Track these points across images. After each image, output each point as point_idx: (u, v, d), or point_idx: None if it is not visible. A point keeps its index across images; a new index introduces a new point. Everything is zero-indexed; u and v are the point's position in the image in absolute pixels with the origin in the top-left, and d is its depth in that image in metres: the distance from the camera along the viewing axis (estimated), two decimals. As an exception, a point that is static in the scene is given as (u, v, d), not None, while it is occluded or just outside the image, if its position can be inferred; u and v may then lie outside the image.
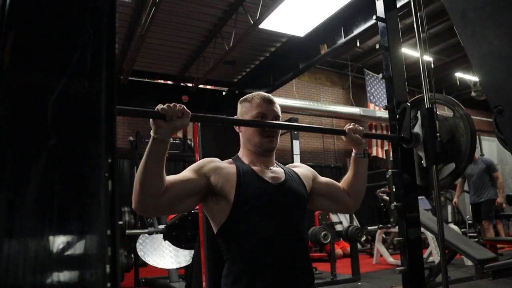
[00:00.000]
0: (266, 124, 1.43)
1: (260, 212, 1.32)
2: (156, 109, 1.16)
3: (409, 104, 1.88)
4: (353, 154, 1.61)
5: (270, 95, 1.48)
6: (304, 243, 1.41)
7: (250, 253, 1.29)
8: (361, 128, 1.62)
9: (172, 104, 1.18)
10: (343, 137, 1.62)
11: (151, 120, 1.18)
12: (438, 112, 1.83)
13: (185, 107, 1.20)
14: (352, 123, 1.62)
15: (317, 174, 1.61)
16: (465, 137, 1.75)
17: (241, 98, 1.51)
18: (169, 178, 1.24)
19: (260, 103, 1.43)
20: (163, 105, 1.17)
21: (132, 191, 1.18)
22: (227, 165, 1.40)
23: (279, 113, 1.47)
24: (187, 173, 1.32)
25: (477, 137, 7.42)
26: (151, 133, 1.17)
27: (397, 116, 1.90)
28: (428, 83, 1.86)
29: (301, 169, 1.57)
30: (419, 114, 1.84)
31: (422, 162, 1.83)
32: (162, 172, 1.19)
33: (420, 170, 1.93)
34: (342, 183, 1.61)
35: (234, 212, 1.31)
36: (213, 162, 1.39)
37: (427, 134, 1.79)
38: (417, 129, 1.84)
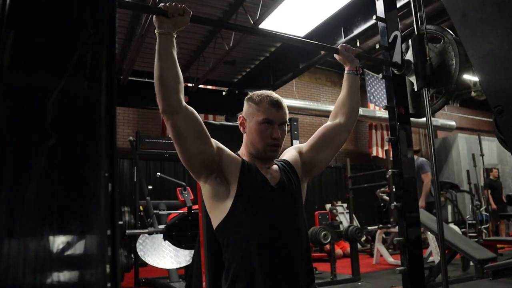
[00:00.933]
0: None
1: (261, 211, 1.32)
2: (158, 6, 1.23)
3: (400, 32, 1.95)
4: (345, 71, 1.66)
5: (279, 97, 1.43)
6: (304, 243, 1.40)
7: (249, 252, 1.29)
8: (353, 48, 1.67)
9: (174, 2, 1.25)
10: (335, 55, 1.68)
11: (154, 17, 1.25)
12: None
13: (186, 6, 1.27)
14: (345, 43, 1.69)
15: (302, 145, 1.59)
16: (454, 61, 1.81)
17: (249, 96, 1.46)
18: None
19: (268, 108, 1.38)
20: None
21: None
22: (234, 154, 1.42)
23: (287, 117, 1.43)
24: None
25: (477, 137, 7.44)
26: (155, 31, 1.24)
27: (389, 44, 1.98)
28: (418, 13, 1.92)
29: (288, 153, 1.55)
30: (410, 43, 1.91)
31: (414, 87, 1.89)
32: (176, 66, 1.24)
33: (412, 100, 1.99)
34: (334, 109, 1.63)
35: (236, 203, 1.30)
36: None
37: (417, 57, 1.86)
38: (409, 57, 1.91)
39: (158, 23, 1.23)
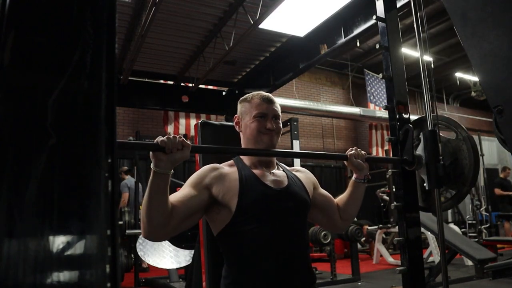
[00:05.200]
0: (263, 153, 1.43)
1: (259, 219, 1.31)
2: (155, 141, 1.16)
3: (411, 126, 1.85)
4: (353, 178, 1.61)
5: (270, 94, 1.49)
6: (305, 247, 1.40)
7: (248, 259, 1.29)
8: (363, 152, 1.60)
9: (172, 135, 1.17)
10: (345, 162, 1.62)
11: (151, 153, 1.17)
12: (441, 134, 1.81)
13: (184, 139, 1.19)
14: (355, 148, 1.60)
15: (318, 184, 1.60)
16: (468, 160, 1.72)
17: (241, 98, 1.51)
18: (171, 200, 1.23)
19: (260, 102, 1.43)
20: (163, 137, 1.17)
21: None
22: (229, 171, 1.38)
23: (279, 112, 1.47)
24: (188, 189, 1.31)
25: (477, 137, 7.44)
26: (151, 166, 1.16)
27: (400, 138, 1.87)
28: (429, 94, 1.83)
29: (302, 174, 1.56)
30: (421, 136, 1.81)
31: (424, 184, 1.80)
32: (167, 203, 1.19)
33: (422, 192, 1.91)
34: (339, 201, 1.61)
35: (235, 219, 1.30)
36: (214, 170, 1.36)
37: (429, 157, 1.76)
38: (420, 151, 1.81)
39: (155, 161, 1.15)
